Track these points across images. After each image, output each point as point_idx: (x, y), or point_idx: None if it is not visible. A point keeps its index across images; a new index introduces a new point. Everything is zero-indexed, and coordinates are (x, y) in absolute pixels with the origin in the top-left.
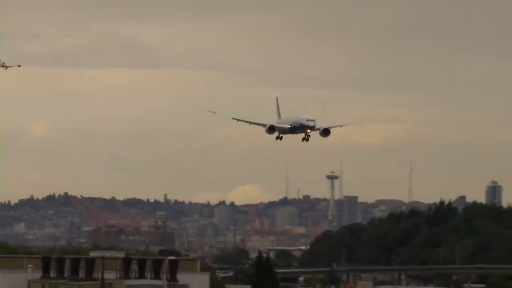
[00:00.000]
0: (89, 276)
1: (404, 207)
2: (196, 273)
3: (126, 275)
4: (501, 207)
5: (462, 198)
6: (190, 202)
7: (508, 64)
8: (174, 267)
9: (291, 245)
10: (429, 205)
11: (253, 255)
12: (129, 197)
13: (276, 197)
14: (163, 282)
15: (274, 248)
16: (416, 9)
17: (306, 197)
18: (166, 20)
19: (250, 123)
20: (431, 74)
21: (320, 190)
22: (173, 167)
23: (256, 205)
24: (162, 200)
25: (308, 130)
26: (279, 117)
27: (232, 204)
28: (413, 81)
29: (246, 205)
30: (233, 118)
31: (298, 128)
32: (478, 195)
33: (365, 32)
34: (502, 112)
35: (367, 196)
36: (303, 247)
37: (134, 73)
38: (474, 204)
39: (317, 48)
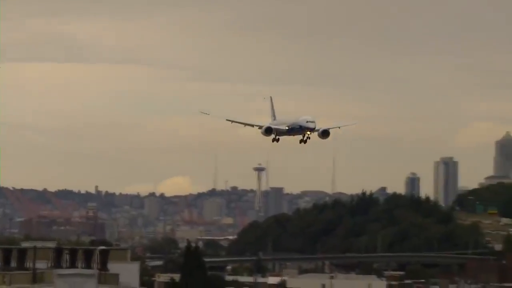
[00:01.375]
0: (21, 266)
1: (327, 198)
2: (127, 262)
3: (58, 265)
4: (419, 198)
5: (383, 189)
6: (120, 194)
7: (424, 61)
8: (104, 257)
9: (219, 235)
10: (352, 196)
11: (182, 245)
12: (61, 188)
13: (204, 189)
14: (94, 271)
15: (202, 238)
16: (342, 9)
17: (234, 189)
18: (101, 16)
19: (245, 124)
20: (354, 70)
21: (247, 182)
22: (104, 159)
23: (185, 196)
24: (93, 191)
25: (308, 132)
26: (274, 118)
27: (162, 195)
28: (337, 76)
29: (175, 196)
30: (227, 120)
31: (297, 129)
32: (398, 186)
33: (292, 30)
34: (421, 107)
35: (292, 187)
36: (231, 237)
37: (67, 68)
38: (394, 195)
39: (249, 44)
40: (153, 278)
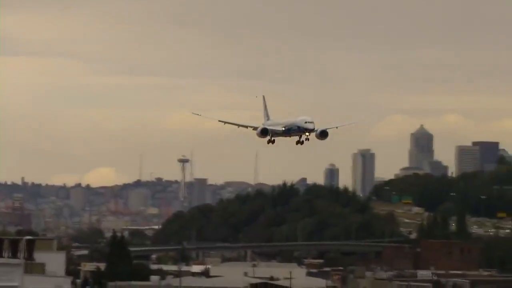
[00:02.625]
0: None
1: (250, 189)
2: (53, 252)
3: None
4: (338, 188)
5: (303, 180)
6: (47, 185)
7: (342, 55)
8: (31, 247)
9: (144, 225)
10: (273, 187)
11: (108, 235)
12: None
13: (130, 180)
14: (20, 261)
15: (128, 228)
16: (253, 5)
17: (159, 180)
18: (22, 8)
19: (239, 125)
20: (273, 64)
21: (172, 173)
22: (30, 150)
23: (111, 187)
24: (19, 182)
25: (307, 133)
26: (268, 118)
27: (88, 186)
28: (259, 69)
29: (101, 187)
30: (219, 121)
31: (295, 130)
32: (317, 177)
33: (207, 24)
34: (339, 100)
35: (216, 178)
36: (156, 227)
37: None
38: (314, 185)
39: (167, 38)
40: (79, 267)
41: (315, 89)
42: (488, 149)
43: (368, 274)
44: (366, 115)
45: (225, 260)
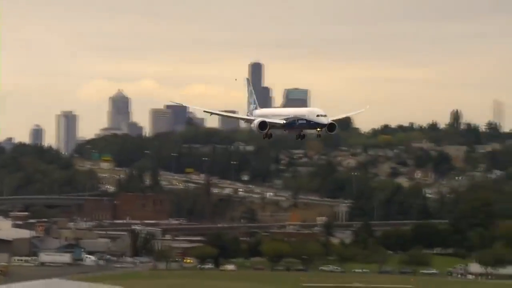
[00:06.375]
0: None
1: None
2: None
3: None
4: (43, 147)
5: (10, 139)
6: None
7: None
8: None
9: None
10: None
11: None
12: None
13: None
14: None
15: None
16: None
17: None
18: None
19: (229, 117)
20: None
21: None
22: None
23: None
24: None
25: (318, 129)
26: (255, 106)
27: None
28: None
29: None
30: (204, 111)
31: (302, 125)
32: (23, 137)
33: None
34: (46, 65)
35: None
36: None
37: None
38: (20, 144)
39: None
40: None
41: (27, 55)
42: (179, 112)
43: (70, 224)
44: (69, 80)
45: None
